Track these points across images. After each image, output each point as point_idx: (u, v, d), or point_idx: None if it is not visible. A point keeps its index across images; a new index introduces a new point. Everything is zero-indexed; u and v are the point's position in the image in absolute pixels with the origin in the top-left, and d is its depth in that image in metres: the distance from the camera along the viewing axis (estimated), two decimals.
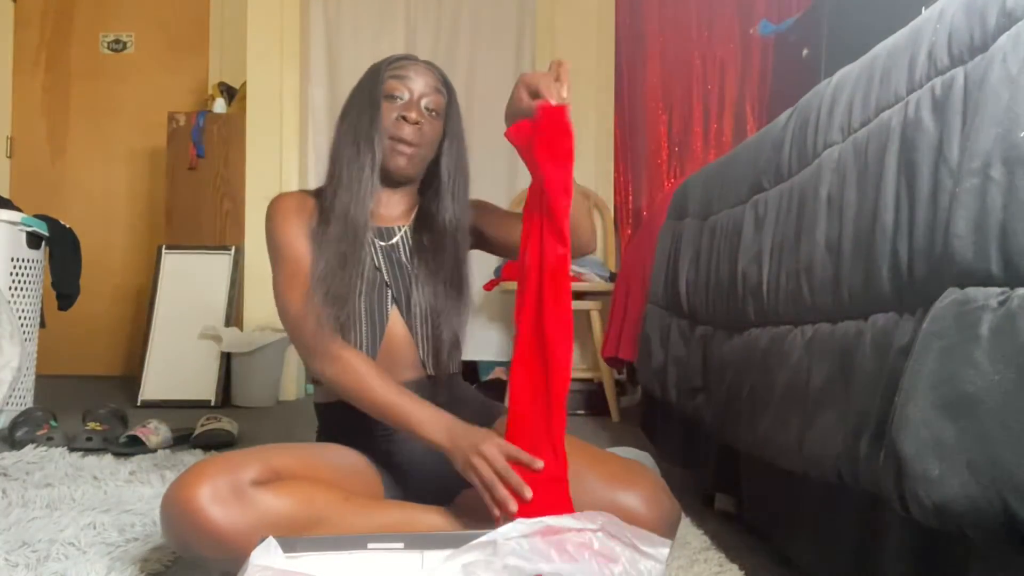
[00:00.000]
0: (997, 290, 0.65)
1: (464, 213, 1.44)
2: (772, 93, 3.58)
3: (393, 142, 1.37)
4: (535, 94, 1.16)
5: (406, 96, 1.39)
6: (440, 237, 1.41)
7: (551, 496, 1.08)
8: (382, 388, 1.25)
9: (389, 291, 1.39)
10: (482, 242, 1.51)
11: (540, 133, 1.11)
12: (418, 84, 1.40)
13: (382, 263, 1.40)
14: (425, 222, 1.43)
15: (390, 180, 1.41)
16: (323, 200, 1.38)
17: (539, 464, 1.09)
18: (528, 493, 1.07)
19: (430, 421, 1.20)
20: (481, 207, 1.51)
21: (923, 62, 0.84)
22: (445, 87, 1.44)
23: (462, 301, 1.44)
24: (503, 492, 1.08)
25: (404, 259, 1.42)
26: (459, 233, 1.43)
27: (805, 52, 2.78)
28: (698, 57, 4.01)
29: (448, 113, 1.43)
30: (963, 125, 0.74)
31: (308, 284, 1.31)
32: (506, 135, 1.19)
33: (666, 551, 0.92)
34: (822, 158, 1.05)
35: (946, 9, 0.83)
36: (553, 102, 1.12)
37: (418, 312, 1.40)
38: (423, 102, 1.39)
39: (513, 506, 1.07)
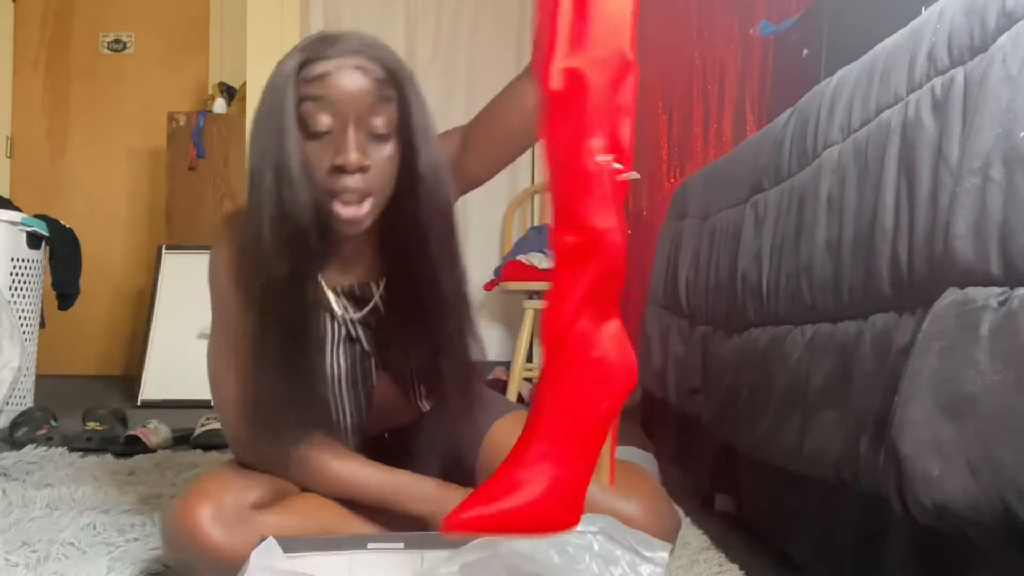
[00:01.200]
0: (997, 290, 0.65)
1: (454, 232, 1.09)
2: (772, 93, 3.57)
3: (333, 204, 1.00)
4: None
5: (334, 126, 0.98)
6: (429, 287, 1.08)
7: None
8: (364, 483, 1.09)
9: (372, 360, 1.17)
10: (475, 181, 1.17)
11: None
12: (350, 102, 0.98)
13: (360, 334, 1.15)
14: (400, 276, 1.10)
15: (346, 231, 1.04)
16: (252, 265, 1.05)
17: None
18: None
19: (407, 492, 1.08)
20: (457, 158, 1.13)
21: (923, 62, 0.84)
22: (393, 83, 1.01)
23: (465, 333, 1.14)
24: None
25: (385, 319, 1.15)
26: (457, 279, 1.10)
27: (805, 52, 2.78)
28: (698, 57, 4.00)
29: (406, 120, 1.01)
30: (963, 125, 0.74)
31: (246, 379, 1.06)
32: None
33: (666, 555, 0.92)
34: (822, 158, 1.05)
35: (946, 9, 0.83)
36: None
37: (410, 370, 1.16)
38: (364, 127, 0.99)
39: None
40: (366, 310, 1.13)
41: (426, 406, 1.22)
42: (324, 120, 0.98)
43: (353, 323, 1.13)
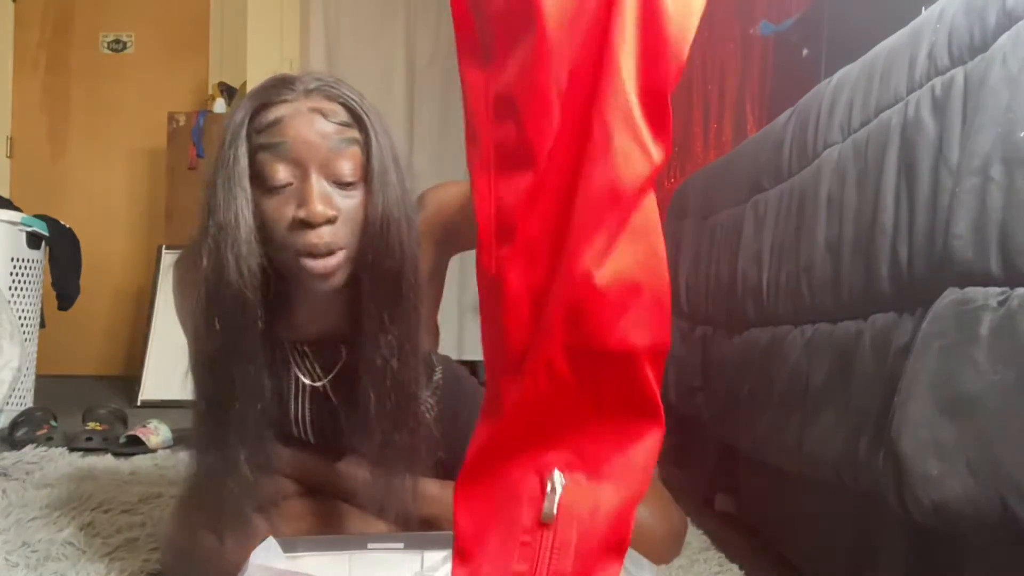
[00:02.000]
0: (997, 290, 0.65)
1: (422, 295, 0.98)
2: (772, 93, 3.57)
3: (302, 261, 0.91)
4: None
5: (293, 180, 0.89)
6: (390, 350, 0.96)
7: None
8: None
9: (342, 412, 1.08)
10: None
11: None
12: (310, 148, 0.89)
13: (329, 392, 1.09)
14: (375, 362, 0.96)
15: (319, 287, 0.95)
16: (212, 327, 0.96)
17: None
18: None
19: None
20: (441, 209, 1.05)
21: (923, 62, 0.84)
22: (351, 115, 0.92)
23: (422, 372, 1.02)
24: None
25: (353, 375, 1.01)
26: (419, 336, 0.98)
27: (805, 52, 2.78)
28: (698, 57, 4.00)
29: (371, 156, 0.91)
30: (963, 125, 0.74)
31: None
32: None
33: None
34: (822, 158, 1.05)
35: (946, 9, 0.83)
36: None
37: (377, 414, 1.00)
38: (328, 176, 0.90)
39: None
40: (336, 371, 1.04)
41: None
42: (282, 172, 0.89)
43: (319, 379, 1.06)
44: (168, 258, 3.46)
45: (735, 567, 1.21)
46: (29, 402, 2.64)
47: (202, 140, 3.61)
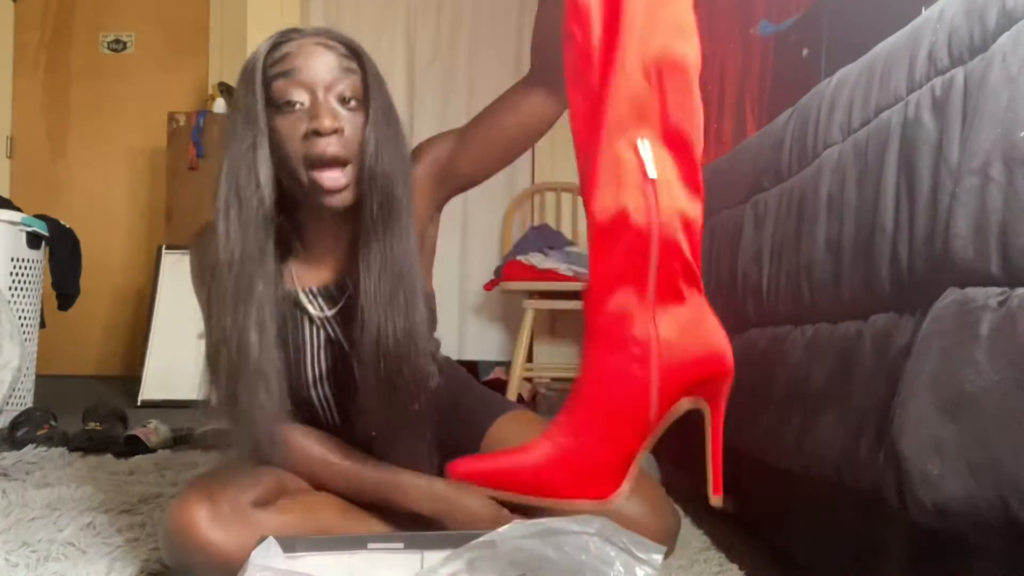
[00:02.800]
0: (997, 290, 0.65)
1: (410, 225, 1.06)
2: (772, 93, 3.58)
3: (315, 174, 1.01)
4: None
5: (305, 98, 1.01)
6: (387, 264, 1.04)
7: None
8: (345, 469, 1.11)
9: (354, 356, 1.13)
10: (465, 185, 1.15)
11: None
12: (318, 72, 1.02)
13: (339, 333, 1.14)
14: (370, 275, 1.05)
15: (330, 203, 1.04)
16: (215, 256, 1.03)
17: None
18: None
19: (413, 489, 1.10)
20: (437, 155, 1.12)
21: (923, 62, 0.84)
22: (353, 54, 1.06)
23: (428, 328, 1.11)
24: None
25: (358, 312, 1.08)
26: (413, 261, 1.07)
27: (805, 52, 2.78)
28: None
29: (368, 90, 1.04)
30: (963, 125, 0.74)
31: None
32: None
33: (660, 557, 0.92)
34: (822, 158, 1.05)
35: (946, 9, 0.83)
36: None
37: (384, 359, 1.05)
38: (334, 95, 1.02)
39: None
40: (341, 304, 1.12)
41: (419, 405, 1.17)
42: (295, 93, 1.01)
43: (329, 321, 1.13)
44: (168, 258, 3.45)
45: (735, 567, 1.21)
46: (29, 402, 2.64)
47: (202, 140, 3.61)
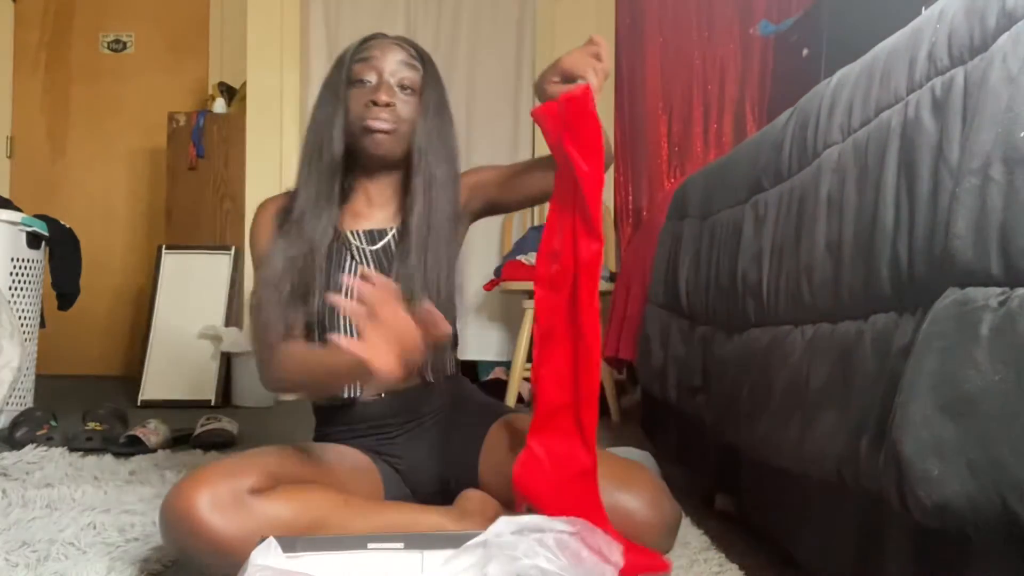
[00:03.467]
0: (997, 290, 0.65)
1: (449, 200, 1.35)
2: (772, 93, 3.57)
3: (366, 131, 1.30)
4: (568, 78, 1.14)
5: (373, 78, 1.31)
6: (428, 232, 1.32)
7: (582, 490, 1.10)
8: (314, 356, 1.22)
9: None
10: (494, 208, 1.44)
11: (569, 125, 1.10)
12: (387, 62, 1.31)
13: (373, 269, 1.33)
14: (411, 213, 1.34)
15: (371, 166, 1.34)
16: (291, 199, 1.34)
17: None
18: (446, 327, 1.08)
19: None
20: (479, 178, 1.41)
21: (923, 62, 0.84)
22: (419, 60, 1.34)
23: (453, 299, 1.37)
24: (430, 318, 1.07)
25: (395, 258, 1.35)
26: (446, 223, 1.34)
27: (805, 52, 2.78)
28: (698, 57, 4.00)
29: (425, 86, 1.34)
30: (963, 125, 0.74)
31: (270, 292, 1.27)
32: (533, 114, 1.18)
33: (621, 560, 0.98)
34: (822, 158, 1.05)
35: (946, 9, 0.83)
36: (593, 83, 1.11)
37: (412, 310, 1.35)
38: (395, 79, 1.31)
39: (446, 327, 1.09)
40: (379, 245, 1.35)
41: (428, 373, 1.33)
42: (366, 73, 1.31)
43: (366, 254, 1.34)
44: (168, 258, 3.46)
45: (735, 567, 1.21)
46: (29, 402, 2.64)
47: (202, 140, 3.61)
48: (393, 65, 1.31)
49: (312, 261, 1.28)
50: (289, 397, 1.38)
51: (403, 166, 1.35)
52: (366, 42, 1.35)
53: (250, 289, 3.39)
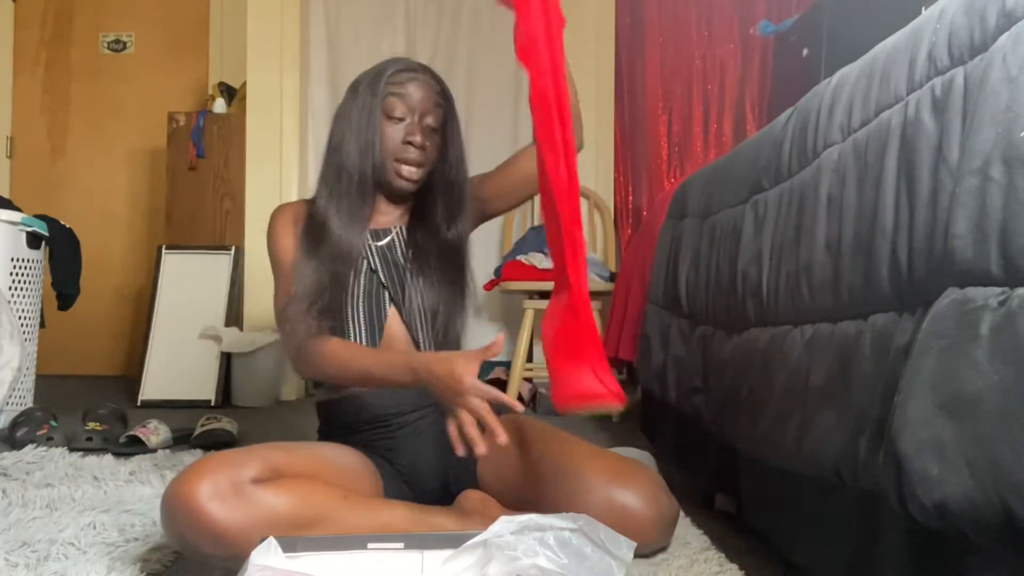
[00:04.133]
0: (997, 290, 0.65)
1: (463, 223, 1.45)
2: (772, 93, 3.58)
3: (398, 164, 1.39)
4: None
5: (407, 117, 1.38)
6: (436, 237, 1.42)
7: (575, 328, 1.16)
8: (355, 357, 1.30)
9: (386, 292, 1.39)
10: (485, 212, 1.52)
11: None
12: (421, 102, 1.39)
13: (378, 265, 1.40)
14: (421, 223, 1.44)
15: (390, 194, 1.44)
16: (315, 210, 1.40)
17: (519, 408, 1.18)
18: (502, 438, 1.11)
19: (393, 369, 1.26)
20: (478, 185, 1.49)
21: (923, 62, 0.84)
22: (443, 97, 1.43)
23: (462, 301, 1.43)
24: (476, 433, 1.13)
25: (400, 258, 1.43)
26: (459, 239, 1.44)
27: (805, 52, 2.78)
28: (698, 57, 4.00)
29: (446, 123, 1.43)
30: (963, 125, 0.74)
31: (289, 294, 1.35)
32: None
33: (631, 553, 0.97)
34: (822, 158, 1.05)
35: (946, 9, 0.83)
36: None
37: (417, 311, 1.39)
38: (427, 121, 1.39)
39: (482, 448, 1.12)
40: (384, 242, 1.43)
41: None
42: (401, 110, 1.38)
43: (372, 250, 1.41)
44: (168, 258, 3.46)
45: (735, 567, 1.21)
46: (29, 402, 2.64)
47: (202, 140, 3.62)
48: (425, 104, 1.39)
49: (340, 276, 1.37)
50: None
51: (417, 186, 1.44)
52: (400, 72, 1.40)
53: (251, 289, 3.40)
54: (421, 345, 1.39)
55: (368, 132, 1.38)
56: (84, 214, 4.04)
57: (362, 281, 1.39)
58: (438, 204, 1.43)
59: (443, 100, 1.42)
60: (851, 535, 0.93)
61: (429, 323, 1.40)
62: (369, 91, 1.39)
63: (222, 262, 3.44)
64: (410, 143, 1.38)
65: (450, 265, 1.43)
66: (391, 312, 1.39)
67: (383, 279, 1.40)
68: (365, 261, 1.41)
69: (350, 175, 1.38)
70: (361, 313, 1.38)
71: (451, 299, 1.42)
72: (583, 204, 3.46)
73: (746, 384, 1.24)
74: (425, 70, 1.43)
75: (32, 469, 1.86)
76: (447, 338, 1.41)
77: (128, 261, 4.26)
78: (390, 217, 1.47)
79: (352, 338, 1.37)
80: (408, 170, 1.39)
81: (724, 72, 4.01)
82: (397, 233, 1.45)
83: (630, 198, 3.99)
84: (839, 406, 0.90)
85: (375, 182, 1.40)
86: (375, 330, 1.38)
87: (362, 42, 3.58)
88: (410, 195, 1.46)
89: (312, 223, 1.39)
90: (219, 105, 3.74)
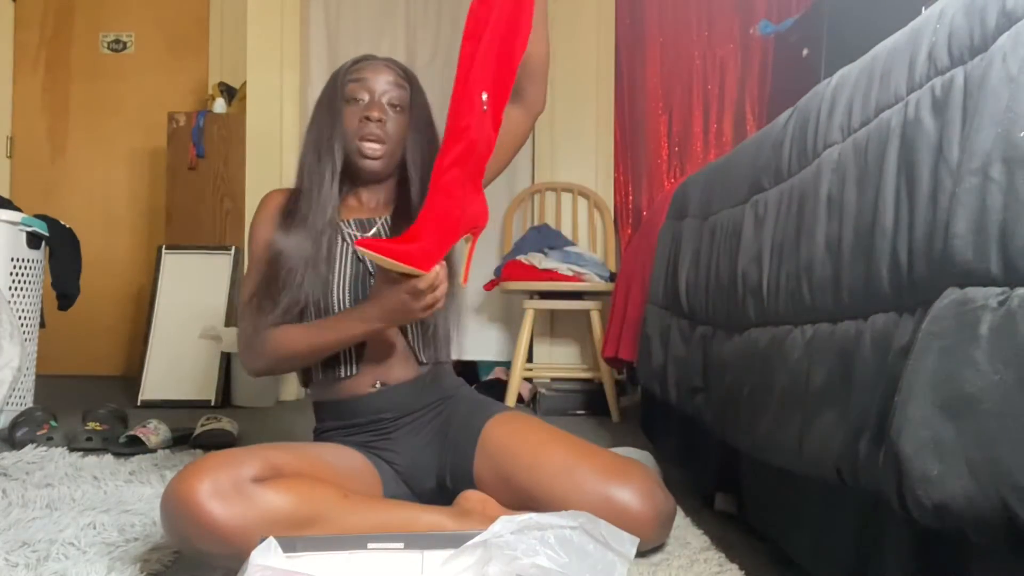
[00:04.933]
0: (997, 290, 0.65)
1: None
2: (772, 93, 3.57)
3: (360, 143, 1.40)
4: None
5: (366, 98, 1.42)
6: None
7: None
8: (303, 333, 1.34)
9: (373, 280, 1.38)
10: None
11: None
12: (378, 83, 1.43)
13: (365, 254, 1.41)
14: (404, 212, 1.44)
15: (364, 179, 1.45)
16: (291, 200, 1.44)
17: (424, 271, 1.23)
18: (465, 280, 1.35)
19: (340, 323, 1.32)
20: None
21: (923, 62, 0.84)
22: (407, 80, 1.47)
23: (450, 290, 1.41)
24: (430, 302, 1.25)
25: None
26: None
27: (805, 52, 2.78)
28: (698, 57, 4.00)
29: (412, 104, 1.45)
30: (963, 125, 0.74)
31: (256, 284, 1.39)
32: None
33: (634, 549, 0.98)
34: (822, 158, 1.05)
35: (946, 9, 0.83)
36: None
37: None
38: (385, 99, 1.43)
39: (441, 291, 1.26)
40: (371, 232, 1.45)
41: (420, 355, 1.39)
42: (360, 92, 1.43)
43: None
44: (168, 258, 3.46)
45: (735, 567, 1.21)
46: (29, 402, 2.64)
47: (202, 140, 3.62)
48: (384, 85, 1.43)
49: (313, 253, 1.38)
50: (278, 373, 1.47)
51: (395, 176, 1.47)
52: (357, 63, 1.46)
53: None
54: (409, 336, 1.40)
55: (330, 117, 1.41)
56: (84, 214, 4.03)
57: (348, 271, 1.40)
58: (417, 190, 1.43)
59: (405, 83, 1.46)
60: (852, 535, 0.93)
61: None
62: (331, 83, 1.45)
63: (222, 262, 3.44)
64: (367, 117, 1.40)
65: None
66: None
67: (370, 268, 1.40)
68: (351, 251, 1.42)
69: (316, 162, 1.40)
70: (346, 293, 1.38)
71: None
72: (583, 204, 3.46)
73: (746, 384, 1.24)
74: (388, 60, 1.48)
75: (32, 469, 1.86)
76: (436, 329, 1.42)
77: (128, 261, 4.26)
78: (375, 207, 1.48)
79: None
80: (369, 147, 1.41)
81: (724, 72, 4.00)
82: (383, 223, 1.45)
83: (630, 198, 3.99)
84: (839, 406, 0.90)
85: (345, 168, 1.42)
86: (357, 302, 1.38)
87: (362, 42, 3.58)
88: (392, 183, 1.47)
89: (288, 212, 1.42)
90: (219, 105, 3.74)
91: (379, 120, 1.40)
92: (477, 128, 1.22)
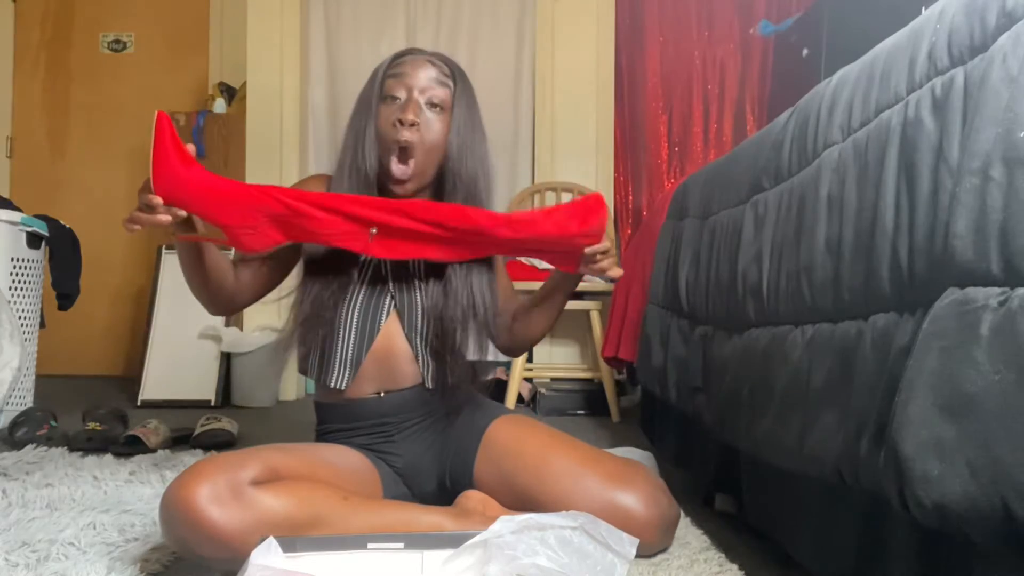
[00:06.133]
0: (997, 290, 0.65)
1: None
2: (772, 93, 3.57)
3: (390, 147, 1.31)
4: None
5: (403, 96, 1.32)
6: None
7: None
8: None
9: (391, 299, 1.36)
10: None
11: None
12: (417, 79, 1.32)
13: (388, 269, 1.36)
14: None
15: (395, 190, 1.34)
16: None
17: None
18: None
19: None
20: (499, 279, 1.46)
21: (923, 62, 0.84)
22: (452, 77, 1.35)
23: (477, 319, 1.35)
24: None
25: (411, 265, 1.37)
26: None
27: (805, 52, 2.78)
28: (698, 57, 4.00)
29: (456, 104, 1.34)
30: (963, 125, 0.74)
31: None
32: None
33: (633, 550, 0.98)
34: (822, 158, 1.05)
35: (946, 9, 0.83)
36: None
37: (419, 321, 1.34)
38: (424, 97, 1.32)
39: None
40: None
41: (428, 380, 1.34)
42: (396, 89, 1.32)
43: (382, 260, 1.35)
44: (168, 258, 3.46)
45: (735, 567, 1.21)
46: (29, 402, 2.64)
47: (202, 140, 3.61)
48: (424, 82, 1.32)
49: (334, 268, 1.34)
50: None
51: (434, 183, 1.36)
52: (399, 57, 1.35)
53: None
54: (418, 356, 1.34)
55: (365, 116, 1.32)
56: (84, 214, 4.03)
57: (366, 284, 1.35)
58: (461, 197, 1.34)
59: (450, 80, 1.34)
60: (852, 535, 0.93)
61: (431, 332, 1.34)
62: (372, 78, 1.36)
63: None
64: (400, 120, 1.29)
65: (473, 278, 1.35)
66: (391, 319, 1.35)
67: (391, 287, 1.35)
68: (371, 263, 1.35)
69: (353, 162, 1.33)
70: (355, 318, 1.33)
71: (462, 315, 1.34)
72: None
73: (747, 384, 1.24)
74: (434, 54, 1.36)
75: (32, 469, 1.86)
76: (449, 349, 1.33)
77: (128, 261, 4.26)
78: None
79: (341, 336, 1.33)
80: (399, 168, 1.31)
81: (724, 72, 4.00)
82: None
83: (630, 198, 3.99)
84: (840, 406, 0.90)
85: (370, 175, 1.33)
86: (365, 337, 1.34)
87: (362, 42, 3.58)
88: (427, 194, 1.37)
89: None
90: (219, 105, 3.74)
91: (412, 124, 1.29)
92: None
